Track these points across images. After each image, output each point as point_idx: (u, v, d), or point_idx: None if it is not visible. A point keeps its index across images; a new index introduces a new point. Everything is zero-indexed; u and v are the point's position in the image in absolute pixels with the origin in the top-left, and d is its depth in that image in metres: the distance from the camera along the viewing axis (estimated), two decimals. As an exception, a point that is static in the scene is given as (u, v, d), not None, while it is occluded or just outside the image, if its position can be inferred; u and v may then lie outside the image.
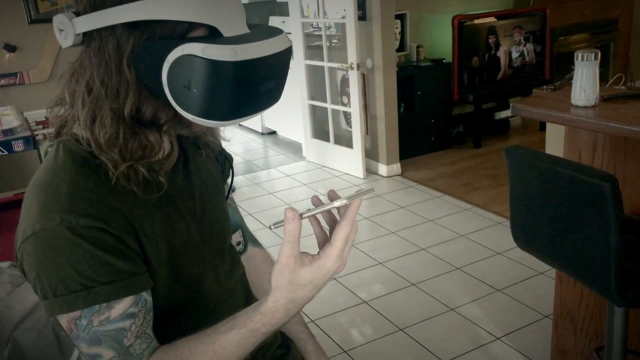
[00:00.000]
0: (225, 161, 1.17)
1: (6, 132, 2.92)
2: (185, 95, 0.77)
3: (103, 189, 0.82)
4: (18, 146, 2.82)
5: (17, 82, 4.06)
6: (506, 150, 1.52)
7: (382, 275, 3.21)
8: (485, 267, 3.21)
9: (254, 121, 6.47)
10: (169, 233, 0.90)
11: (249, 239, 1.28)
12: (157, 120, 0.83)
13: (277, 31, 0.84)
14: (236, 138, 6.48)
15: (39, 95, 4.00)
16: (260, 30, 0.83)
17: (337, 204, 0.74)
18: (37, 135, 3.35)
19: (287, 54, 0.84)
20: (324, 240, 0.79)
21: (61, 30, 0.80)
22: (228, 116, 0.80)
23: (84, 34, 0.80)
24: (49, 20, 3.14)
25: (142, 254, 0.86)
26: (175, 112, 0.81)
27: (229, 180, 1.18)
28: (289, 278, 0.75)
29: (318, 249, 0.79)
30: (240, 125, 6.85)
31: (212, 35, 0.78)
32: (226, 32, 0.78)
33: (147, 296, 0.86)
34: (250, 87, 0.79)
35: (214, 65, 0.74)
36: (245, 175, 5.11)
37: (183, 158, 0.98)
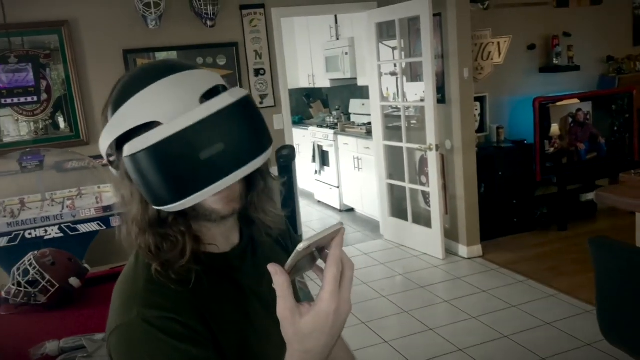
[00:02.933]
0: (292, 243, 1.20)
1: (106, 208, 3.15)
2: (144, 191, 0.84)
3: (177, 284, 0.89)
4: (116, 221, 3.02)
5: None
6: (590, 242, 1.48)
7: (462, 363, 3.09)
8: (573, 359, 3.02)
9: (332, 198, 6.58)
10: (238, 319, 0.95)
11: None
12: (164, 217, 0.89)
13: (221, 92, 0.85)
14: (314, 214, 6.58)
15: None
16: (208, 100, 0.84)
17: (300, 247, 0.73)
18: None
19: (228, 113, 0.82)
20: None
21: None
22: (183, 194, 0.82)
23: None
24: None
25: (214, 339, 0.90)
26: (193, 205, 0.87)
27: None
28: (292, 331, 0.75)
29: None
30: (318, 201, 6.97)
31: (158, 125, 0.82)
32: (165, 120, 0.81)
33: None
34: (187, 161, 0.80)
35: (134, 160, 0.80)
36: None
37: (252, 244, 1.03)
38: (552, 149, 5.03)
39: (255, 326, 0.97)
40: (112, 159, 0.90)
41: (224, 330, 0.92)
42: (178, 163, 0.80)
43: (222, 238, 0.99)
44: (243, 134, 0.84)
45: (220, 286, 0.95)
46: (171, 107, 0.81)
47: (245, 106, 0.85)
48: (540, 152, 4.97)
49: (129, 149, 0.80)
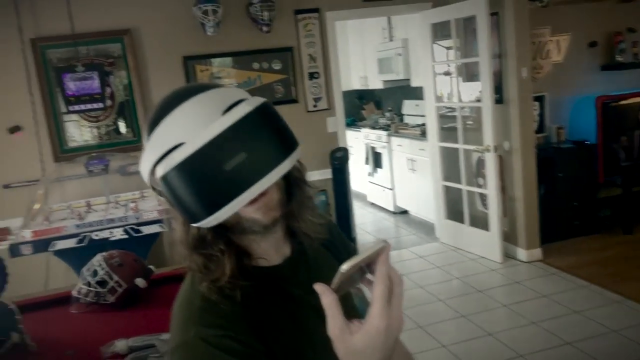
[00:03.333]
0: (347, 251, 1.19)
1: (167, 210, 3.24)
2: (179, 209, 0.86)
3: (230, 302, 0.92)
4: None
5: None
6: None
7: (523, 369, 3.02)
8: (642, 368, 2.91)
9: (386, 200, 6.55)
10: (294, 331, 0.96)
11: None
12: (202, 234, 0.92)
13: (236, 103, 0.86)
14: (367, 216, 6.57)
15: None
16: (227, 111, 0.86)
17: (343, 268, 0.74)
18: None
19: (247, 122, 0.84)
20: None
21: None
22: (218, 206, 0.83)
23: None
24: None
25: (270, 353, 0.92)
26: (236, 218, 0.89)
27: None
28: (343, 349, 0.75)
29: None
30: (371, 203, 6.96)
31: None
32: (189, 140, 0.83)
33: None
34: (212, 175, 0.82)
35: (165, 180, 0.83)
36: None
37: (303, 255, 1.04)
38: (616, 149, 4.86)
39: (311, 337, 0.97)
40: (154, 185, 0.92)
41: (280, 343, 0.93)
42: (204, 178, 0.82)
43: (273, 250, 1.00)
44: (264, 141, 0.85)
45: (274, 299, 0.96)
46: (194, 126, 0.84)
47: (263, 113, 0.87)
48: (603, 152, 4.81)
49: (159, 171, 0.84)
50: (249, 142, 0.84)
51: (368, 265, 0.77)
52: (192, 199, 0.83)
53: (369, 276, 0.80)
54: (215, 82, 4.39)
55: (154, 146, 0.87)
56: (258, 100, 0.88)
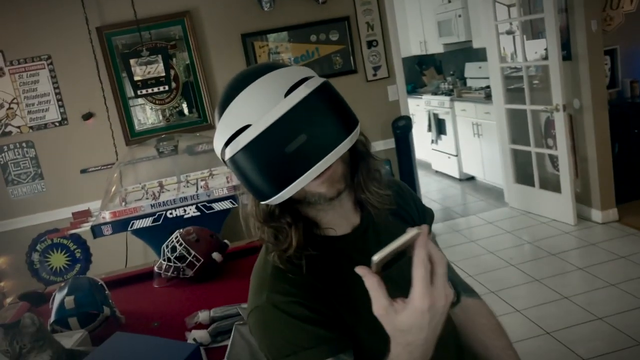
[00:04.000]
0: (422, 214, 1.20)
1: (236, 187, 3.32)
2: (247, 188, 0.93)
3: (301, 269, 0.98)
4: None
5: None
6: None
7: (602, 332, 2.94)
8: None
9: (451, 167, 6.46)
10: (360, 295, 0.97)
11: (463, 289, 1.26)
12: (272, 209, 0.98)
13: (296, 86, 0.88)
14: (432, 184, 6.50)
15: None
16: (288, 94, 0.88)
17: (375, 259, 0.76)
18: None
19: (306, 104, 0.87)
20: None
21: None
22: (281, 186, 0.88)
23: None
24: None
25: (342, 321, 0.97)
26: (301, 192, 0.93)
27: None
28: (390, 328, 0.78)
29: None
30: (436, 171, 6.87)
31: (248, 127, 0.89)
32: (254, 122, 0.87)
33: (346, 357, 0.95)
34: (275, 156, 0.87)
35: (233, 162, 0.89)
36: (445, 222, 5.09)
37: (373, 224, 1.06)
38: (696, 101, 4.58)
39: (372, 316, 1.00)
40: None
41: (352, 310, 0.97)
42: (268, 160, 0.87)
43: (342, 220, 1.03)
44: (324, 122, 0.88)
45: (342, 268, 0.99)
46: (259, 108, 0.87)
47: (322, 94, 0.89)
48: (683, 104, 4.54)
49: (227, 154, 0.90)
50: (309, 123, 0.87)
51: (411, 247, 0.79)
52: (258, 179, 0.89)
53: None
54: (275, 59, 4.43)
55: (223, 128, 0.91)
56: (317, 81, 0.90)
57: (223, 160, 0.95)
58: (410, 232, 0.78)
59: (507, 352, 1.21)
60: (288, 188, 0.88)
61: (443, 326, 1.11)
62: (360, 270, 0.78)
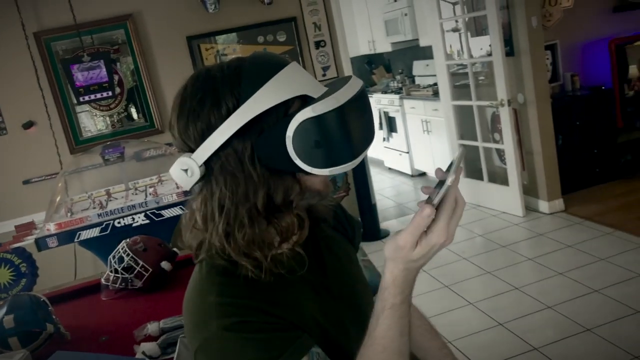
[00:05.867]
0: (352, 228, 1.21)
1: (186, 192, 3.26)
2: (318, 155, 0.86)
3: (246, 289, 0.90)
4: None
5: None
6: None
7: (552, 320, 3.02)
8: (673, 310, 2.89)
9: (403, 164, 6.53)
10: (310, 309, 0.96)
11: None
12: (288, 200, 0.91)
13: (347, 78, 0.92)
14: (385, 182, 6.56)
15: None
16: (333, 83, 0.93)
17: (449, 181, 0.79)
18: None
19: (365, 91, 0.93)
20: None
21: (185, 170, 0.89)
22: (357, 153, 0.89)
23: (205, 162, 0.89)
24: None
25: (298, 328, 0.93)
26: (301, 186, 0.91)
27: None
28: (403, 256, 0.82)
29: None
30: (389, 168, 6.94)
31: (305, 102, 0.88)
32: (315, 94, 0.88)
33: (317, 349, 0.92)
34: (359, 122, 0.89)
35: (330, 116, 0.85)
36: (398, 218, 5.14)
37: (311, 239, 1.03)
38: (632, 92, 4.76)
39: (330, 319, 0.99)
40: (231, 150, 0.88)
41: (306, 325, 0.94)
42: (357, 122, 0.89)
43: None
44: (370, 116, 0.95)
45: (293, 282, 0.96)
46: (312, 83, 0.90)
47: (365, 92, 0.94)
48: (620, 96, 4.72)
49: (315, 110, 0.84)
50: (369, 106, 0.94)
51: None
52: (351, 137, 0.88)
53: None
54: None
55: (265, 98, 0.86)
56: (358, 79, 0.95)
57: (241, 155, 0.88)
58: (449, 178, 0.79)
59: (444, 350, 1.25)
60: (360, 157, 0.90)
61: None
62: (428, 209, 0.79)
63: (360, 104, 0.89)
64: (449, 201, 0.80)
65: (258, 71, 0.88)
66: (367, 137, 0.92)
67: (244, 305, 0.89)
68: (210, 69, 0.92)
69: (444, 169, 0.85)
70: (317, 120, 0.84)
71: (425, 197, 0.84)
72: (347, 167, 0.89)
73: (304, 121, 0.84)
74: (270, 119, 0.87)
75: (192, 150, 0.90)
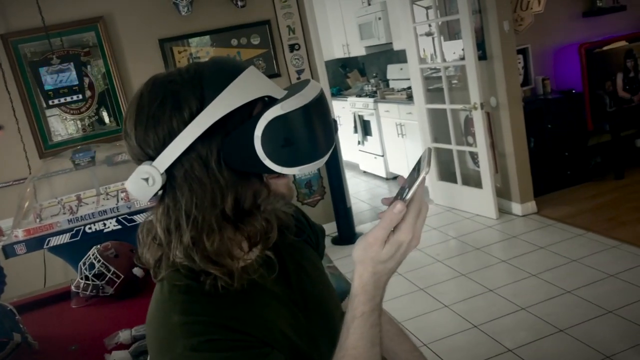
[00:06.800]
0: (316, 234, 1.19)
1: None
2: (287, 153, 0.86)
3: (211, 307, 0.87)
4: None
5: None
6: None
7: (526, 322, 3.05)
8: (643, 309, 2.94)
9: (378, 167, 6.55)
10: (278, 324, 0.94)
11: None
12: (257, 204, 0.88)
13: (306, 81, 0.92)
14: (361, 185, 6.57)
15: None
16: (292, 86, 0.92)
17: (422, 175, 0.79)
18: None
19: (324, 93, 0.93)
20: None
21: (146, 179, 0.85)
22: (325, 150, 0.89)
23: (166, 170, 0.85)
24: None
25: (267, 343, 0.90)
26: (268, 189, 0.89)
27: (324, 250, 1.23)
28: (373, 256, 0.81)
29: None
30: (364, 172, 6.95)
31: (267, 103, 0.88)
32: (278, 96, 0.88)
33: None
34: (324, 121, 0.89)
35: (298, 113, 0.84)
36: (374, 221, 5.14)
37: (273, 248, 0.98)
38: (602, 95, 4.85)
39: (299, 333, 0.96)
40: (194, 155, 0.85)
41: (269, 335, 0.91)
42: (322, 120, 0.88)
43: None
44: (330, 118, 0.93)
45: (255, 294, 0.93)
46: (273, 86, 0.90)
47: (324, 94, 0.93)
48: (590, 100, 4.80)
49: (283, 108, 0.84)
50: (328, 108, 0.92)
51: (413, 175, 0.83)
52: (318, 134, 0.87)
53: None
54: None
55: (229, 99, 0.84)
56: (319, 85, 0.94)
57: (208, 159, 0.85)
58: (423, 172, 0.80)
59: (414, 353, 1.24)
60: (328, 154, 0.90)
61: None
62: (401, 206, 0.79)
63: (323, 104, 0.89)
64: (415, 200, 0.80)
65: (219, 74, 0.87)
66: (331, 137, 0.91)
67: (209, 322, 0.85)
68: (167, 74, 0.89)
69: (410, 170, 0.86)
70: (286, 117, 0.84)
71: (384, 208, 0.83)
72: (316, 165, 0.88)
73: (273, 119, 0.83)
74: (234, 121, 0.85)
75: (151, 159, 0.86)
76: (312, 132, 0.86)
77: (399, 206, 0.78)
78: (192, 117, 0.83)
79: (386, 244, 0.80)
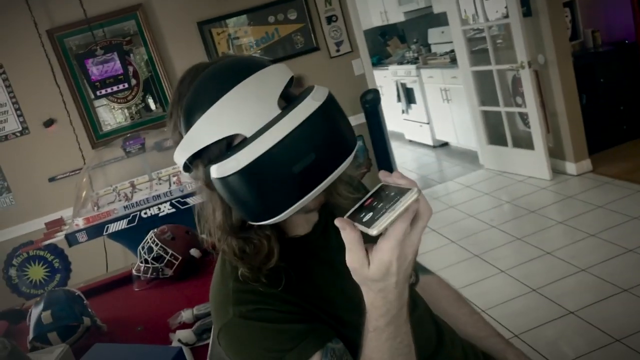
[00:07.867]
0: None
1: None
2: (238, 209, 0.83)
3: (266, 277, 0.91)
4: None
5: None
6: None
7: (587, 283, 2.98)
8: None
9: (424, 135, 6.46)
10: (334, 297, 0.96)
11: (419, 269, 1.27)
12: (245, 224, 0.89)
13: (301, 99, 0.80)
14: (407, 155, 6.50)
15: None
16: (287, 107, 0.81)
17: (374, 233, 0.71)
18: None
19: (314, 120, 0.78)
20: None
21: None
22: (284, 207, 0.80)
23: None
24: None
25: (309, 313, 0.92)
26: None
27: None
28: (361, 278, 0.77)
29: None
30: (410, 141, 6.87)
31: (243, 140, 0.79)
32: (249, 131, 0.78)
33: (334, 345, 0.91)
34: (280, 177, 0.78)
35: (231, 180, 0.77)
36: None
37: (324, 222, 1.01)
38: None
39: (349, 301, 0.95)
40: (189, 171, 0.89)
41: (322, 309, 0.94)
42: (271, 181, 0.78)
43: (303, 221, 0.99)
44: (331, 138, 0.81)
45: (309, 268, 0.96)
46: (251, 116, 0.79)
47: (329, 108, 0.80)
48: (645, 49, 4.58)
49: (218, 171, 0.78)
50: (317, 141, 0.79)
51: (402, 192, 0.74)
52: (256, 202, 0.79)
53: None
54: (236, 44, 4.34)
55: (196, 137, 0.81)
56: (323, 94, 0.81)
57: (193, 175, 0.87)
58: (409, 198, 0.72)
59: (474, 316, 1.27)
60: (290, 209, 0.80)
61: (421, 305, 1.10)
62: (339, 222, 0.74)
63: (283, 153, 0.77)
64: (399, 222, 0.72)
65: (196, 101, 0.83)
66: (305, 183, 0.80)
67: (260, 292, 0.90)
68: (182, 79, 0.91)
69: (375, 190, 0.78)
70: (223, 183, 0.79)
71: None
72: (270, 222, 0.83)
73: (215, 180, 0.80)
74: (213, 151, 0.83)
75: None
76: (243, 200, 0.79)
77: (347, 229, 0.73)
78: (181, 137, 0.86)
79: (371, 265, 0.74)
